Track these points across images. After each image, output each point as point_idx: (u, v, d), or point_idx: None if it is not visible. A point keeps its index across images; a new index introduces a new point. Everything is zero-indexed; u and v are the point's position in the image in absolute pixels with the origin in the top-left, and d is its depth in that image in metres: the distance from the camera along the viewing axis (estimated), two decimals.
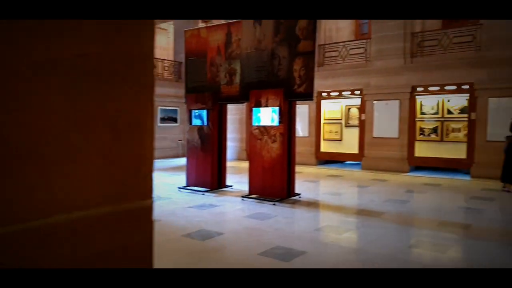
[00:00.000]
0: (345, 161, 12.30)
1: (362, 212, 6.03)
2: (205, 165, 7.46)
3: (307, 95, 6.42)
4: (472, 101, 9.56)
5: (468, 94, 9.64)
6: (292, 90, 6.50)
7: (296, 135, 7.26)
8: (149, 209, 0.91)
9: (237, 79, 7.21)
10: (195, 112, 7.63)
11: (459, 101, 10.13)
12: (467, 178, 9.35)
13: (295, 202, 6.53)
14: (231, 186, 7.79)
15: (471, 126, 9.56)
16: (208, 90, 7.56)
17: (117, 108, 0.76)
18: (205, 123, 7.47)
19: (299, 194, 6.91)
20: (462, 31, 9.93)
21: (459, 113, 10.21)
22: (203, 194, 7.16)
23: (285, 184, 6.57)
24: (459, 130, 10.21)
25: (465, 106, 9.92)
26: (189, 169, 7.76)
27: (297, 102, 7.00)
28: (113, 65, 0.77)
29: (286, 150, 6.53)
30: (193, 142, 7.65)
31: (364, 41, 11.38)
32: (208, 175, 7.42)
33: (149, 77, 0.82)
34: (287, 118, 6.58)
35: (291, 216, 5.80)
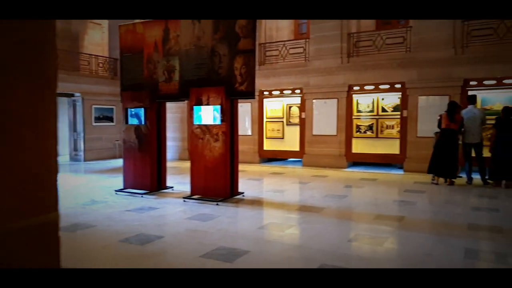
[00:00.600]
0: (287, 159, 12.49)
1: (303, 208, 6.11)
2: (144, 166, 7.16)
3: (249, 94, 6.38)
4: (404, 100, 10.12)
5: (400, 93, 10.19)
6: (234, 88, 6.43)
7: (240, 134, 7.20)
8: (54, 224, 0.77)
9: (176, 76, 6.99)
10: (131, 111, 7.29)
11: (392, 99, 10.68)
12: (400, 172, 9.88)
13: (239, 201, 6.48)
14: (172, 187, 7.56)
15: (403, 123, 10.12)
16: (145, 87, 7.25)
17: (4, 106, 0.62)
18: (143, 122, 7.16)
19: (242, 193, 6.86)
20: (394, 33, 10.47)
21: (392, 111, 10.76)
22: (141, 197, 6.87)
23: (228, 184, 6.49)
24: (392, 127, 10.77)
25: (397, 104, 10.47)
26: (126, 171, 7.40)
27: (239, 100, 6.95)
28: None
29: (228, 149, 6.45)
30: (130, 142, 7.31)
31: (303, 40, 11.60)
32: (147, 176, 7.13)
33: (49, 70, 0.69)
34: (229, 116, 6.50)
35: (235, 215, 5.74)
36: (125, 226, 4.99)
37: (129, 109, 7.31)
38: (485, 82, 9.19)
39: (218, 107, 6.38)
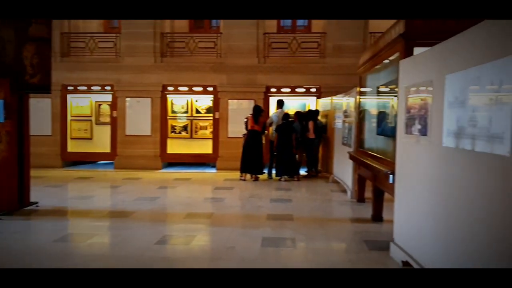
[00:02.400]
0: (97, 161, 11.50)
1: (111, 214, 5.68)
2: None
3: (42, 87, 5.56)
4: (216, 102, 10.60)
5: (213, 95, 10.65)
6: (23, 81, 5.49)
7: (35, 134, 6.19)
8: None
9: None
10: None
11: (205, 101, 11.06)
12: (213, 171, 10.32)
13: (31, 213, 5.55)
14: None
15: (216, 124, 10.60)
16: None
17: None
18: None
19: (36, 203, 5.90)
20: (206, 37, 10.87)
21: (206, 112, 11.14)
22: None
23: (15, 193, 5.47)
24: (206, 127, 11.15)
25: (210, 106, 10.91)
26: None
27: (33, 95, 5.96)
28: None
29: (15, 151, 5.44)
30: None
31: (114, 35, 10.89)
32: None
33: None
34: (17, 113, 5.50)
35: (24, 230, 4.88)
36: None
37: None
38: (283, 90, 10.46)
39: (1, 101, 5.31)
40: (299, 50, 10.41)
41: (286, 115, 8.78)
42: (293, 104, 11.04)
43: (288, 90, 10.45)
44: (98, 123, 11.26)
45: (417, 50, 3.90)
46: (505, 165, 2.05)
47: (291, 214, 5.67)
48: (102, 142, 10.97)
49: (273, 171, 8.86)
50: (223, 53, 10.49)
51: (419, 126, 3.34)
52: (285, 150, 8.52)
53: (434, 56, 3.10)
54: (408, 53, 3.85)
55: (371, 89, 5.96)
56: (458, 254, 2.58)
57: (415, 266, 3.29)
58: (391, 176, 4.04)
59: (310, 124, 8.90)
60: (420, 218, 3.29)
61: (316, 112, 9.44)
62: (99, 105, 11.28)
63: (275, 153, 8.74)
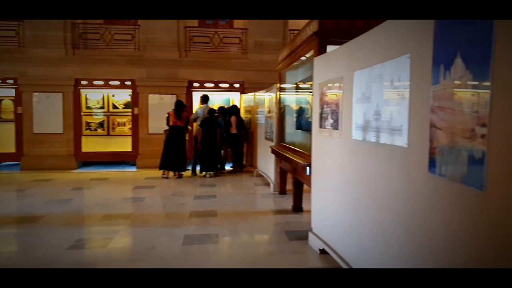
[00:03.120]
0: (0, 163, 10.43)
1: (17, 220, 5.19)
2: None
3: None
4: (134, 97, 10.16)
5: (131, 90, 10.19)
6: None
7: None
8: None
9: None
10: None
11: (123, 96, 10.56)
12: (133, 169, 9.90)
13: None
14: None
15: (135, 120, 10.17)
16: None
17: None
18: None
19: None
20: (123, 29, 10.35)
21: (123, 108, 10.65)
22: None
23: None
24: (124, 124, 10.67)
25: (128, 101, 10.44)
26: None
27: None
28: None
29: None
30: None
31: (15, 23, 9.88)
32: None
33: None
34: None
35: None
36: None
37: None
38: (206, 84, 10.36)
39: None
40: (221, 45, 10.38)
41: (212, 110, 8.72)
42: (218, 100, 11.01)
43: (212, 85, 10.38)
44: (0, 120, 10.19)
45: (330, 48, 4.10)
46: (404, 155, 2.24)
47: (215, 210, 5.65)
48: (4, 141, 9.94)
49: (198, 168, 8.77)
50: (141, 46, 10.08)
51: (331, 121, 3.52)
52: (209, 145, 8.47)
53: (343, 54, 3.28)
54: (321, 50, 4.03)
55: (290, 85, 6.15)
56: (368, 239, 2.78)
57: (331, 253, 3.48)
58: (308, 168, 4.21)
59: (233, 119, 8.95)
60: (333, 207, 3.48)
61: (236, 107, 9.49)
62: (0, 100, 10.20)
63: (199, 150, 8.64)
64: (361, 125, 2.83)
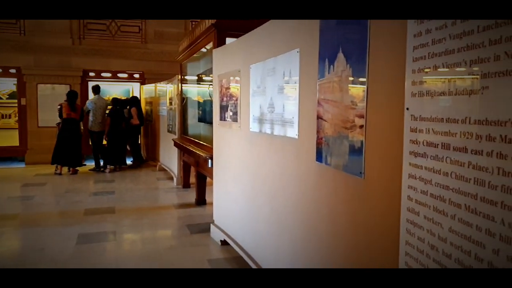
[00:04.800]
0: None
1: None
2: None
3: None
4: (21, 86, 9.11)
5: (17, 79, 9.12)
6: None
7: None
8: None
9: None
10: None
11: (7, 85, 9.41)
12: (22, 165, 8.91)
13: None
14: None
15: (22, 112, 9.13)
16: None
17: None
18: None
19: None
20: None
21: (8, 99, 9.51)
22: None
23: None
24: (9, 116, 9.55)
25: (14, 91, 9.33)
26: None
27: None
28: None
29: None
30: None
31: None
32: None
33: None
34: None
35: None
36: None
37: None
38: (103, 74, 9.70)
39: None
40: (119, 34, 9.80)
41: (116, 101, 8.18)
42: (117, 90, 10.39)
43: (109, 75, 9.76)
44: None
45: (230, 40, 4.11)
46: (295, 146, 2.34)
47: (113, 206, 5.34)
48: None
49: (93, 162, 8.20)
50: (28, 31, 9.04)
51: (231, 113, 3.54)
52: (114, 138, 7.97)
53: (240, 47, 3.31)
54: (220, 42, 4.02)
55: (192, 76, 6.06)
56: (265, 227, 2.86)
57: (232, 244, 3.52)
58: (210, 161, 4.20)
59: (133, 111, 8.51)
60: (234, 198, 3.52)
61: (137, 99, 9.06)
62: None
63: (95, 142, 8.09)
64: (258, 118, 2.89)
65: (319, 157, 2.08)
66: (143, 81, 10.04)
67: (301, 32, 2.23)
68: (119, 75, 9.86)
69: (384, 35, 1.50)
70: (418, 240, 1.22)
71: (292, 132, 2.36)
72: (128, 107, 8.57)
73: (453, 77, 1.06)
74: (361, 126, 1.69)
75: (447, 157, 1.07)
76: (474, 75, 0.98)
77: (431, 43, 1.14)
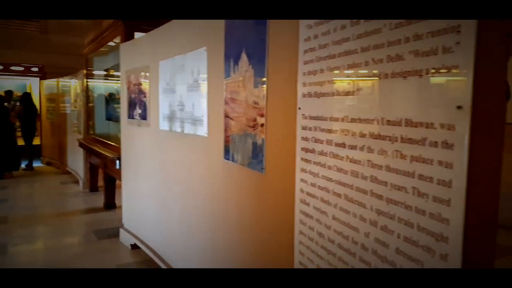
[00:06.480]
0: None
1: None
2: None
3: None
4: None
5: None
6: None
7: None
8: None
9: None
10: None
11: None
12: None
13: None
14: None
15: None
16: None
17: None
18: None
19: None
20: None
21: None
22: None
23: None
24: None
25: None
26: None
27: None
28: None
29: None
30: None
31: None
32: None
33: None
34: None
35: None
36: None
37: None
38: None
39: None
40: (14, 21, 8.86)
41: (1, 98, 7.36)
42: (11, 85, 9.35)
43: (0, 67, 8.77)
44: None
45: (139, 35, 3.97)
46: (205, 144, 2.35)
47: (5, 216, 4.82)
48: None
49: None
50: None
51: (139, 111, 3.43)
52: (5, 139, 7.16)
53: (148, 42, 3.22)
54: (128, 37, 3.86)
55: (99, 71, 5.73)
56: (175, 228, 2.83)
57: (143, 247, 3.42)
58: (117, 161, 4.02)
59: (18, 108, 7.71)
60: (143, 200, 3.42)
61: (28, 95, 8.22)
62: None
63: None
64: (168, 116, 2.85)
65: (227, 154, 2.12)
66: (43, 75, 9.20)
67: (208, 31, 2.25)
68: (13, 68, 8.91)
69: (282, 37, 1.57)
70: (309, 229, 1.32)
71: (202, 130, 2.37)
72: (18, 104, 7.78)
73: (335, 79, 1.17)
74: (262, 125, 1.77)
75: (330, 152, 1.18)
76: (350, 77, 1.09)
77: (317, 48, 1.24)
